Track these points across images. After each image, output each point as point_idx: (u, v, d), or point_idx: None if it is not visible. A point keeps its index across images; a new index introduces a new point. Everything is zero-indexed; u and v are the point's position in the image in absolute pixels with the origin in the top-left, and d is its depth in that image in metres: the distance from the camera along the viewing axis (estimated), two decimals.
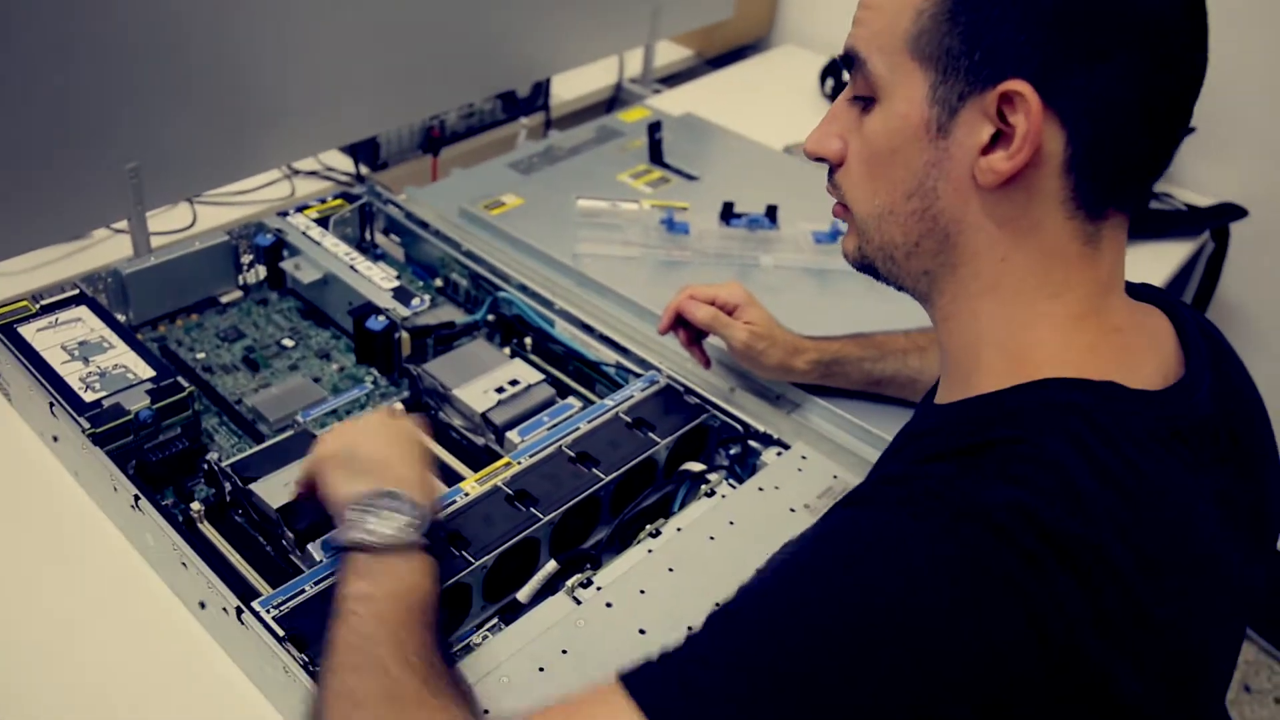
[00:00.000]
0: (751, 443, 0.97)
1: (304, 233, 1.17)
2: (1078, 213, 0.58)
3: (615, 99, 1.87)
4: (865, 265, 0.67)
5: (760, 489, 0.90)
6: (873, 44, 0.60)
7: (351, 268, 1.12)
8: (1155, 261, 1.49)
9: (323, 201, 1.23)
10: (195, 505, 0.90)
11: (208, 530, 0.89)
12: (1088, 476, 0.52)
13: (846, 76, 0.64)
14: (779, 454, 0.95)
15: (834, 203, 0.69)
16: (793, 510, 0.88)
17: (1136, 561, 0.50)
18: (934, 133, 0.58)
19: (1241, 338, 1.66)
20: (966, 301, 0.62)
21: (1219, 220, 1.59)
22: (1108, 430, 0.54)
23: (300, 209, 1.21)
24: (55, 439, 0.95)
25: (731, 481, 0.94)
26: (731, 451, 0.98)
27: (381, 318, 1.05)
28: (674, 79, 1.99)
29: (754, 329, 1.00)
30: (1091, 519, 0.51)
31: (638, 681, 0.52)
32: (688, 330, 1.04)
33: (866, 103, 0.62)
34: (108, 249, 1.30)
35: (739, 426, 0.98)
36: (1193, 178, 1.69)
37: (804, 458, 0.94)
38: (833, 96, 1.84)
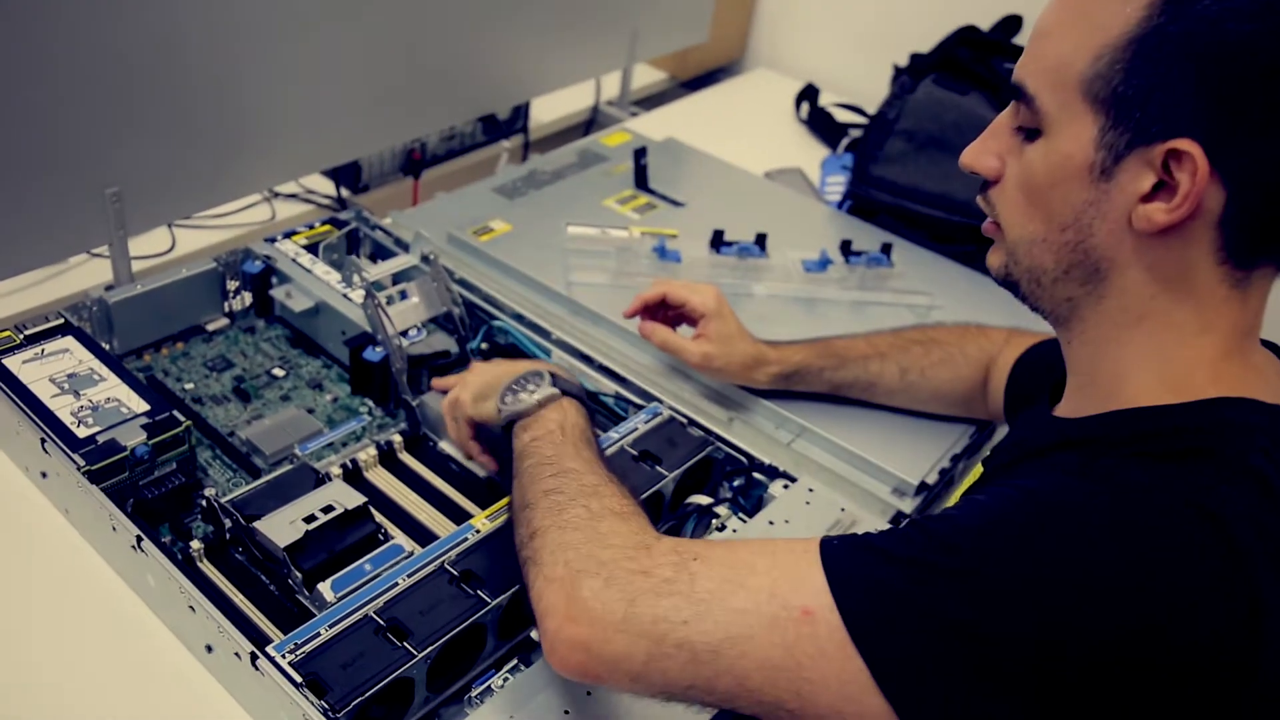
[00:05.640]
0: (756, 475, 0.97)
1: (293, 259, 1.15)
2: (1228, 261, 0.59)
3: (592, 121, 1.87)
4: (1009, 283, 0.68)
5: (770, 523, 0.90)
6: (1044, 80, 0.61)
7: (344, 296, 1.11)
8: None
9: (310, 227, 1.21)
10: (195, 544, 0.87)
11: (208, 569, 0.87)
12: None
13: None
14: (785, 486, 0.95)
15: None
16: None
17: None
18: (1096, 175, 0.59)
19: None
20: (1112, 330, 0.63)
21: None
22: None
23: (288, 235, 1.19)
24: (44, 475, 0.92)
25: (741, 515, 0.94)
26: (735, 484, 0.98)
27: (379, 348, 1.04)
28: (649, 101, 1.99)
29: (707, 351, 1.03)
30: None
31: (832, 550, 0.60)
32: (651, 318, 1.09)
33: (1030, 133, 0.62)
34: (83, 273, 1.27)
35: (743, 459, 0.98)
36: None
37: (811, 490, 0.94)
38: (808, 121, 1.86)
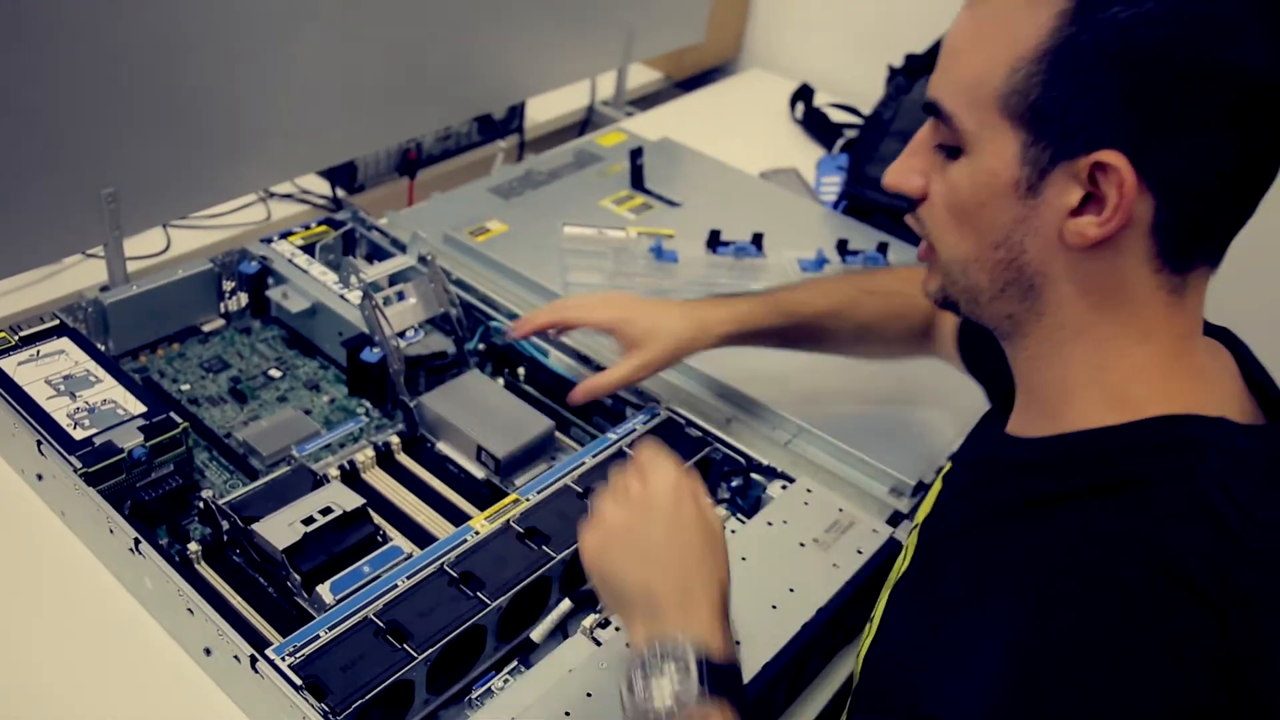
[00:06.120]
0: (754, 475, 0.97)
1: (290, 260, 1.15)
2: (1164, 268, 0.58)
3: (588, 121, 1.87)
4: (948, 304, 0.66)
5: (769, 523, 0.90)
6: (960, 97, 0.59)
7: (341, 296, 1.10)
8: None
9: (306, 228, 1.21)
10: (192, 546, 0.87)
11: (206, 572, 0.87)
12: (1240, 523, 0.53)
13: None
14: (783, 487, 0.95)
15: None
16: (802, 545, 0.89)
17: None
18: (1023, 192, 0.58)
19: None
20: (1053, 346, 0.62)
21: None
22: (1243, 470, 0.55)
23: (284, 235, 1.19)
24: (40, 478, 0.91)
25: (740, 516, 0.94)
26: (733, 484, 0.98)
27: (376, 349, 1.03)
28: (644, 101, 1.99)
29: (641, 363, 0.94)
30: (1246, 565, 0.52)
31: None
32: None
33: (951, 151, 0.61)
34: (78, 274, 1.26)
35: (741, 459, 0.98)
36: None
37: (809, 491, 0.94)
38: (803, 121, 1.86)
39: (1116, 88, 0.53)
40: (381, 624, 0.76)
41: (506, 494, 0.90)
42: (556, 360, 1.10)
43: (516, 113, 1.71)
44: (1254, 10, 0.52)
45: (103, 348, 1.05)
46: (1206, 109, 0.53)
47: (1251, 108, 0.53)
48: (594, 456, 0.93)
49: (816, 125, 1.83)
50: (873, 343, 1.02)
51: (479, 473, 0.99)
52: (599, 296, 1.01)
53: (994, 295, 0.62)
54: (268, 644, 0.74)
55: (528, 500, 0.88)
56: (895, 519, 0.98)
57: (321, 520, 0.85)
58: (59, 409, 0.91)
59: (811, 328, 0.99)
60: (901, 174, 0.65)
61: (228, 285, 1.16)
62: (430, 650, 0.74)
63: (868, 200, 1.46)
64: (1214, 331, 0.66)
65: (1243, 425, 0.58)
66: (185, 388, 1.06)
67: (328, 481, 0.92)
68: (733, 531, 0.90)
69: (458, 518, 0.93)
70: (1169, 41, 0.52)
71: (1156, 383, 0.59)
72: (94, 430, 0.89)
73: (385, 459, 0.99)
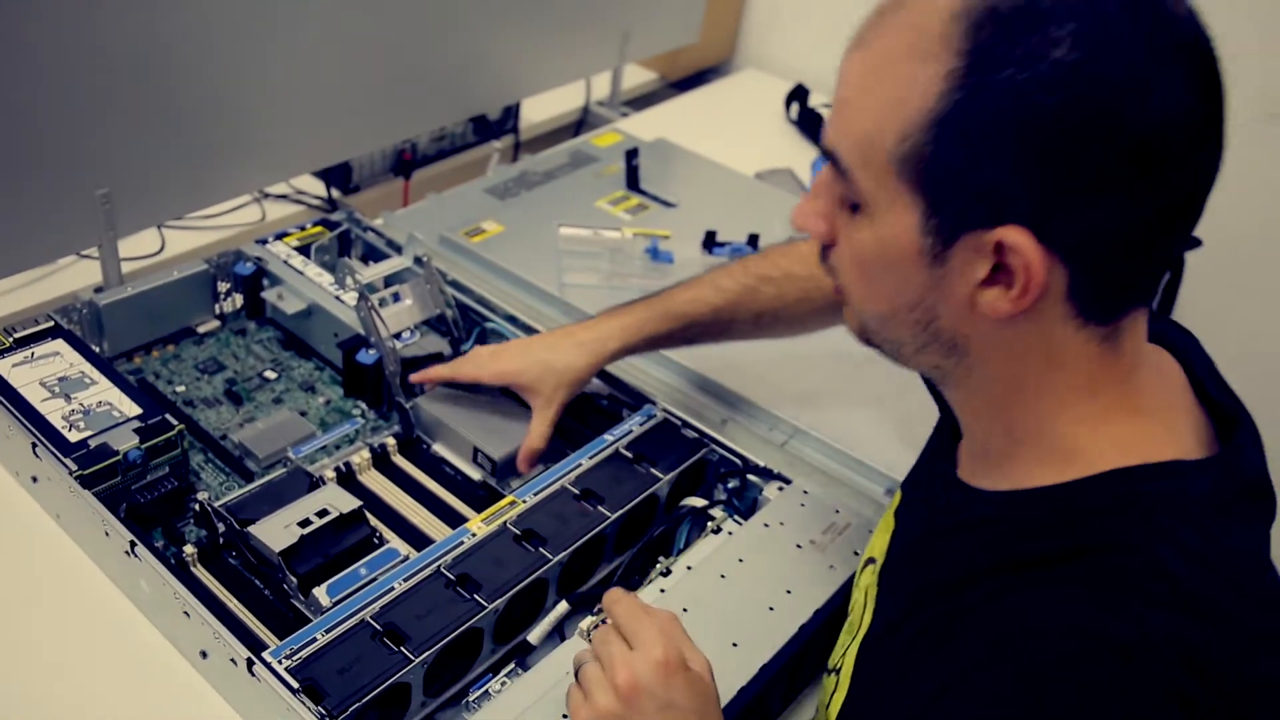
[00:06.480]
0: (750, 476, 0.97)
1: (285, 261, 1.15)
2: (1089, 324, 0.55)
3: (583, 121, 1.87)
4: (872, 345, 0.63)
5: (766, 525, 0.90)
6: (855, 153, 0.55)
7: (337, 298, 1.10)
8: None
9: (302, 229, 1.21)
10: (188, 548, 0.87)
11: (202, 574, 0.86)
12: (1199, 579, 0.51)
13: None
14: (780, 489, 0.95)
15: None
16: (799, 546, 0.89)
17: (1249, 647, 0.52)
18: (929, 260, 0.54)
19: None
20: (988, 399, 0.60)
21: None
22: (1195, 517, 0.53)
23: (279, 236, 1.18)
24: (35, 480, 0.91)
25: (736, 518, 0.94)
26: (730, 485, 0.98)
27: (372, 350, 1.03)
28: (638, 101, 1.99)
29: (553, 409, 0.95)
30: (1217, 624, 0.51)
31: None
32: None
33: (855, 205, 0.57)
34: (72, 275, 1.26)
35: (737, 460, 0.98)
36: None
37: (806, 492, 0.94)
38: (798, 121, 1.86)
39: (1013, 156, 0.50)
40: (378, 626, 0.76)
41: (503, 496, 0.90)
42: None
43: (511, 113, 1.71)
44: (1161, 61, 0.49)
45: (97, 349, 1.05)
46: (1110, 171, 0.49)
47: (1158, 162, 0.50)
48: (590, 458, 0.93)
49: (811, 125, 1.83)
50: (776, 327, 1.01)
51: (475, 475, 0.99)
52: (491, 351, 1.00)
53: (917, 350, 0.60)
54: (264, 647, 0.74)
55: (524, 502, 0.88)
56: None
57: (318, 522, 0.85)
58: (54, 411, 0.90)
59: (706, 324, 0.98)
60: (806, 217, 0.61)
61: (223, 286, 1.15)
62: (427, 653, 0.74)
63: None
64: (1159, 326, 0.62)
65: (1196, 463, 0.56)
66: (180, 389, 1.06)
67: (324, 483, 0.92)
68: (729, 534, 0.90)
69: (454, 520, 0.93)
70: (1065, 106, 0.49)
71: (1103, 433, 0.57)
72: (89, 432, 0.89)
73: (381, 461, 0.99)
